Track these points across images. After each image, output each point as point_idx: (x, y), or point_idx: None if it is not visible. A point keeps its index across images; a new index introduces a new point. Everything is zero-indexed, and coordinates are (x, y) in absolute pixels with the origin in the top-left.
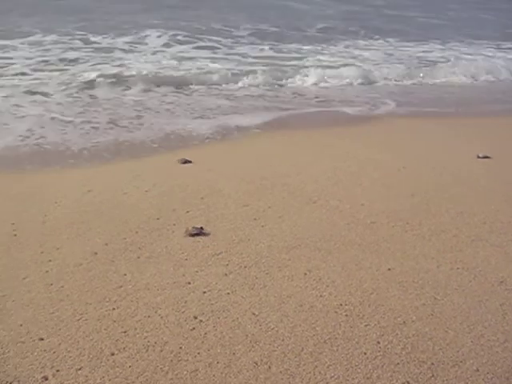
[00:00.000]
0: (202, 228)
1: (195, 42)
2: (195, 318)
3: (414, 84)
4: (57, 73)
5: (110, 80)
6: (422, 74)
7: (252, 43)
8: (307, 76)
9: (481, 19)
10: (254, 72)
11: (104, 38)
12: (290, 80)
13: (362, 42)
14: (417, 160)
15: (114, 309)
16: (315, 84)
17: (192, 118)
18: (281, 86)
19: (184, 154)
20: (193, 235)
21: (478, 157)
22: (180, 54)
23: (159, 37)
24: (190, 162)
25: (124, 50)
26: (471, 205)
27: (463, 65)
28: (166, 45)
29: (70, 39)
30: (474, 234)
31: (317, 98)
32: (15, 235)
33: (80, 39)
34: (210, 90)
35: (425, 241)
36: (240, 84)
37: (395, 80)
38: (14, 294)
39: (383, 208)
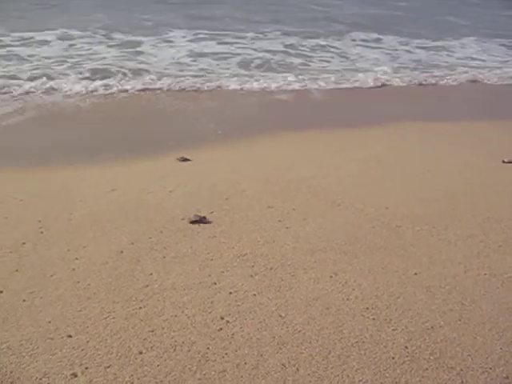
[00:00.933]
0: (204, 217)
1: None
2: (222, 318)
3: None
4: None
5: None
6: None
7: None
8: None
9: None
10: None
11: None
12: None
13: None
14: (441, 164)
15: (140, 308)
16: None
17: (208, 122)
18: None
19: (205, 155)
20: (192, 222)
21: (504, 161)
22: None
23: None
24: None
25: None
26: (498, 210)
27: None
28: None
29: None
30: (502, 239)
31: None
32: (42, 232)
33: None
34: None
35: (451, 246)
36: None
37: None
38: (42, 291)
39: (408, 212)
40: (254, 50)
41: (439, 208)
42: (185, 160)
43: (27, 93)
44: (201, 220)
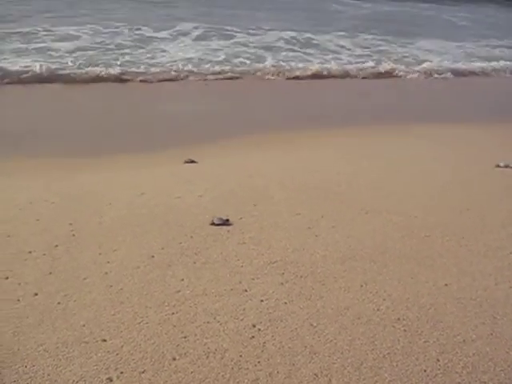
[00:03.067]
0: (227, 220)
1: None
2: (254, 326)
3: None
4: None
5: None
6: None
7: None
8: None
9: None
10: None
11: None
12: None
13: None
14: (469, 171)
15: (173, 313)
16: None
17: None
18: None
19: (232, 160)
20: (214, 224)
21: (498, 166)
22: None
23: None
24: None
25: None
26: None
27: None
28: None
29: None
30: None
31: None
32: (73, 235)
33: None
34: None
35: (481, 257)
36: None
37: None
38: (76, 294)
39: (437, 221)
40: None
41: (468, 217)
42: (192, 162)
43: None
44: (224, 223)
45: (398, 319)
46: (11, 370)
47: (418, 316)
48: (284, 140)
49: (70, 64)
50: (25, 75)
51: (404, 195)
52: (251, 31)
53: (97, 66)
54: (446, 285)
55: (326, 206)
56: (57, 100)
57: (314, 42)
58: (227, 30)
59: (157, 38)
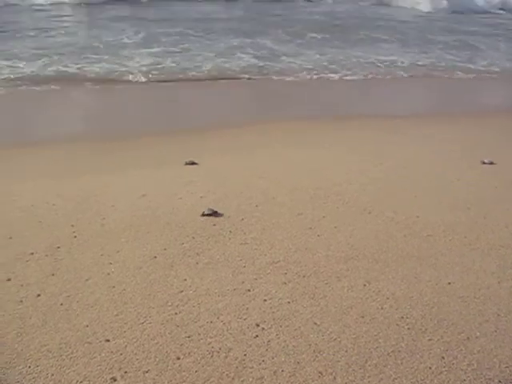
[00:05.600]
0: (216, 212)
1: None
2: (257, 325)
3: None
4: None
5: None
6: None
7: None
8: None
9: None
10: None
11: None
12: None
13: None
14: (471, 171)
15: (176, 313)
16: None
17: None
18: None
19: (232, 161)
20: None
21: (484, 163)
22: None
23: None
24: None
25: None
26: None
27: None
28: None
29: None
30: None
31: None
32: (75, 237)
33: None
34: None
35: (484, 255)
36: None
37: None
38: (79, 295)
39: (439, 220)
40: None
41: (470, 216)
42: (193, 163)
43: None
44: (214, 214)
45: (402, 317)
46: (15, 371)
47: (422, 314)
48: (283, 139)
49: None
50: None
51: (406, 195)
52: None
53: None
54: (449, 283)
55: (328, 206)
56: (53, 101)
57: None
58: None
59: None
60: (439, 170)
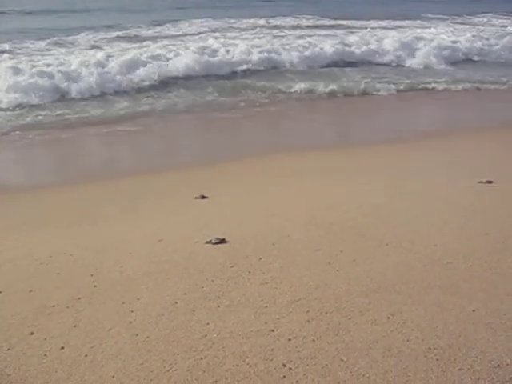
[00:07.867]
0: (224, 239)
1: None
2: (284, 365)
3: None
4: None
5: None
6: None
7: None
8: None
9: None
10: None
11: None
12: None
13: None
14: (486, 197)
15: (201, 358)
16: None
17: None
18: None
19: (243, 195)
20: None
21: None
22: None
23: None
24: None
25: None
26: None
27: None
28: None
29: None
30: None
31: None
32: (95, 286)
33: None
34: None
35: (506, 279)
36: None
37: None
38: (102, 345)
39: (458, 248)
40: None
41: (489, 242)
42: (203, 197)
43: None
44: (221, 242)
45: (429, 348)
46: None
47: (449, 344)
48: (290, 173)
49: None
50: None
51: (422, 225)
52: None
53: None
54: (473, 310)
55: (344, 240)
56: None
57: None
58: None
59: None
60: (453, 195)
